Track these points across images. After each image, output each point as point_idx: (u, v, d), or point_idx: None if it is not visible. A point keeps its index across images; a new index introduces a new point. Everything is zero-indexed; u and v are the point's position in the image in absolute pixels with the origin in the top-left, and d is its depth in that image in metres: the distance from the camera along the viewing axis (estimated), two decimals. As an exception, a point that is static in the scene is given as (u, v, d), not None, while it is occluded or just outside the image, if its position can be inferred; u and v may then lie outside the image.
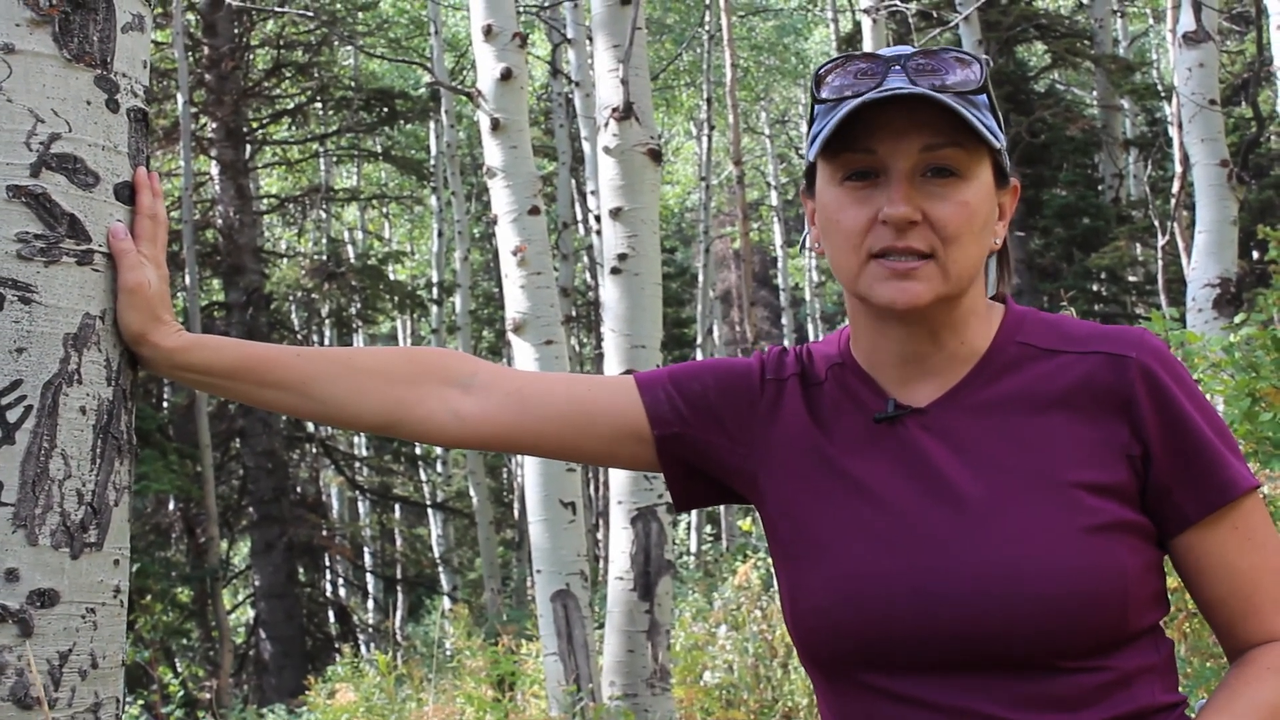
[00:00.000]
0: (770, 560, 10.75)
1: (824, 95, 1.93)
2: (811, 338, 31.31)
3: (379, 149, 27.39)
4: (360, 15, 25.36)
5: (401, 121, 24.57)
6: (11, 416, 1.93)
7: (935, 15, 20.32)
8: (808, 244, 2.07)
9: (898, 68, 1.89)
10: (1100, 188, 23.30)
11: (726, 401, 2.09)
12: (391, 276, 26.25)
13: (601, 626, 7.64)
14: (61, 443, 1.97)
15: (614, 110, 6.96)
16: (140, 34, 2.12)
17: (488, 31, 7.40)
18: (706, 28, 23.94)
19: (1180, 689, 1.95)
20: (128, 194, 2.09)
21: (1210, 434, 1.89)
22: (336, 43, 23.12)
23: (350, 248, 31.64)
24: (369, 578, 28.54)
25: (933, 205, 1.86)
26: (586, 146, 17.47)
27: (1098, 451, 1.88)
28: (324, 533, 22.53)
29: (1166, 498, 1.89)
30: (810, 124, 1.98)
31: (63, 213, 1.99)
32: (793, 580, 1.98)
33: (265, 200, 24.72)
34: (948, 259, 1.87)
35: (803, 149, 2.03)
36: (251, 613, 22.33)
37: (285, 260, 24.16)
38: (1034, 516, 1.84)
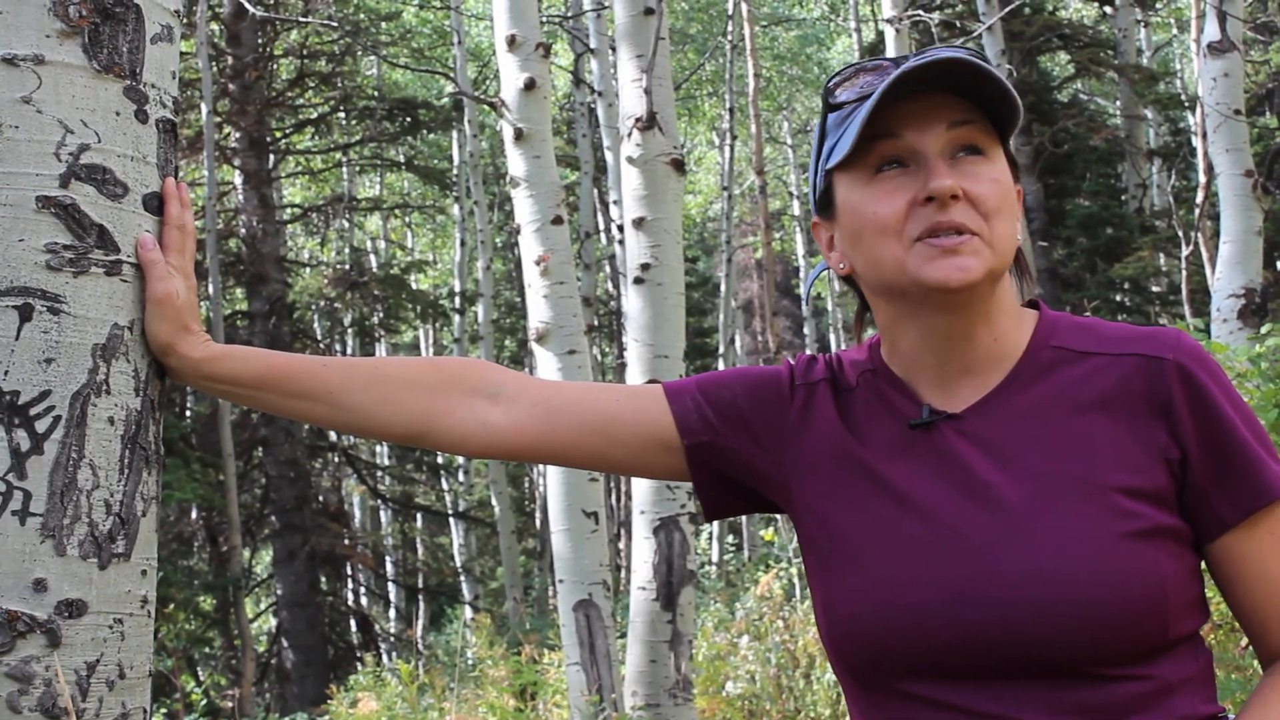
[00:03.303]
0: (793, 570, 10.76)
1: (844, 97, 1.93)
2: (834, 347, 31.29)
3: (402, 158, 27.49)
4: (383, 25, 25.46)
5: (424, 131, 24.64)
6: (40, 427, 1.94)
7: (959, 25, 20.35)
8: (829, 271, 2.06)
9: (907, 62, 1.90)
10: (1124, 198, 23.26)
11: (756, 408, 2.09)
12: (414, 286, 26.30)
13: (624, 636, 7.63)
14: (90, 453, 1.97)
15: (637, 120, 6.97)
16: (169, 45, 2.13)
17: (511, 41, 7.41)
18: (729, 37, 23.96)
19: (1207, 700, 1.94)
20: (156, 205, 2.10)
21: (1248, 436, 1.87)
22: (360, 53, 23.17)
23: (373, 257, 31.69)
24: (391, 587, 28.60)
25: (970, 183, 1.87)
26: (609, 156, 17.51)
27: (1136, 455, 1.86)
28: (346, 542, 22.55)
29: (1203, 501, 1.87)
30: (820, 144, 1.99)
31: (91, 223, 1.99)
32: (828, 587, 1.96)
33: (288, 210, 24.79)
34: (992, 234, 1.87)
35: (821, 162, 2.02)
36: (274, 621, 22.40)
37: (308, 269, 24.25)
38: (1073, 522, 1.82)
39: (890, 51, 14.73)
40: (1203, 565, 1.93)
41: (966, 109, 1.88)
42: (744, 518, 24.25)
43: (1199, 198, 13.47)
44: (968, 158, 1.88)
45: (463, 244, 26.06)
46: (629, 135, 7.02)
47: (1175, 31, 30.29)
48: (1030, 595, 1.80)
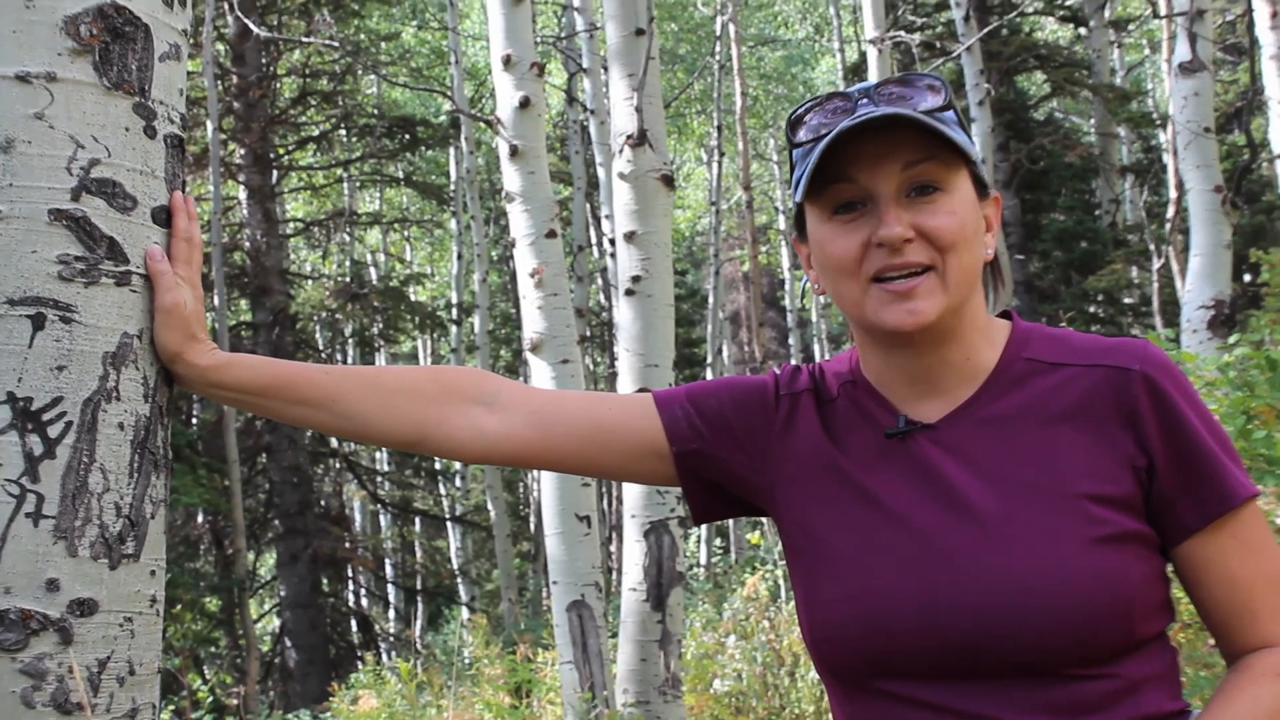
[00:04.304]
0: (778, 572, 10.75)
1: (801, 138, 1.95)
2: (818, 357, 31.29)
3: (401, 174, 27.47)
4: (383, 45, 25.45)
5: (423, 148, 24.59)
6: (53, 432, 1.94)
7: (938, 45, 20.37)
8: (809, 287, 2.07)
9: (865, 100, 1.91)
10: (1097, 212, 23.29)
11: (742, 418, 2.09)
12: (412, 298, 26.22)
13: (615, 636, 7.63)
14: (100, 457, 1.98)
15: (628, 137, 6.97)
16: (176, 63, 2.13)
17: (507, 61, 7.41)
18: (717, 58, 24.00)
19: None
20: (164, 217, 2.10)
21: (1212, 443, 1.88)
22: (360, 72, 23.16)
23: (373, 269, 31.67)
24: (390, 588, 28.55)
25: (924, 219, 1.87)
26: (601, 172, 17.48)
27: (1104, 463, 1.87)
28: (347, 545, 22.51)
29: (1170, 508, 1.88)
30: (791, 170, 2.00)
31: (102, 235, 2.00)
32: (809, 592, 1.97)
33: (291, 224, 24.74)
34: (946, 269, 1.88)
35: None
36: (277, 622, 22.33)
37: (310, 282, 24.22)
38: (1044, 528, 1.83)
39: (872, 71, 14.74)
40: (1169, 568, 1.94)
41: (923, 146, 1.88)
42: (731, 522, 24.25)
43: (1170, 213, 13.48)
44: (922, 196, 1.89)
45: (460, 257, 26.06)
46: (620, 152, 7.02)
47: (1147, 52, 30.36)
48: (1002, 601, 1.81)
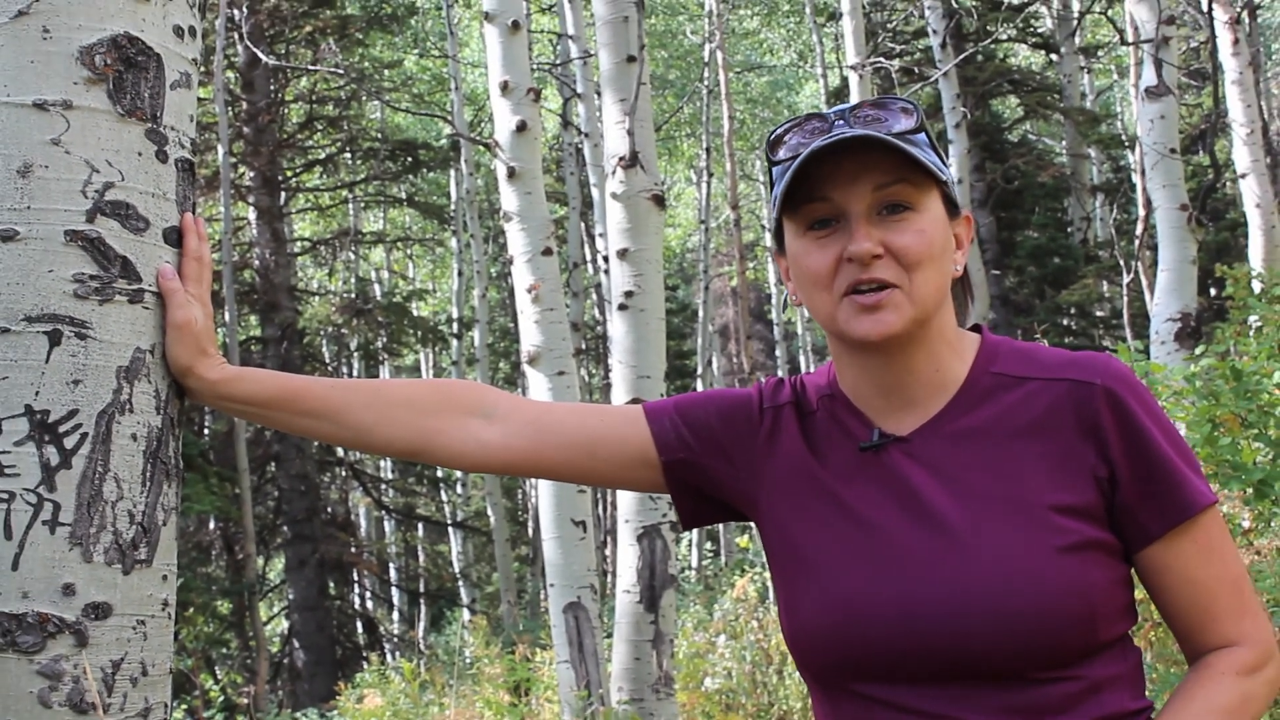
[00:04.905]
0: (766, 575, 10.75)
1: (779, 156, 1.95)
2: (803, 368, 31.29)
3: (403, 195, 27.47)
4: (386, 72, 25.48)
5: (424, 170, 24.60)
6: (69, 443, 1.94)
7: (917, 71, 20.41)
8: (789, 300, 2.07)
9: (841, 122, 1.91)
10: (1069, 230, 23.32)
11: (728, 429, 2.09)
12: (415, 313, 26.23)
13: (610, 636, 7.61)
14: (114, 467, 1.98)
15: (621, 159, 6.96)
16: (187, 90, 2.13)
17: (504, 87, 7.41)
18: (706, 83, 24.01)
19: (1147, 694, 1.95)
20: (175, 238, 2.10)
21: (1171, 453, 1.89)
22: (365, 98, 23.18)
23: (377, 286, 31.70)
24: (394, 591, 28.52)
25: (892, 237, 1.87)
26: (595, 192, 17.50)
27: (1068, 474, 1.88)
28: (353, 550, 22.50)
29: (1132, 516, 1.88)
30: (771, 187, 2.00)
31: (116, 255, 2.00)
32: (789, 598, 1.98)
33: (298, 243, 24.73)
34: (913, 285, 1.88)
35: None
36: (286, 624, 22.30)
37: (317, 298, 24.25)
38: (1010, 538, 1.84)
39: (854, 96, 14.76)
40: (1132, 573, 1.94)
41: (894, 167, 1.88)
42: (721, 526, 24.23)
43: (1138, 230, 13.49)
44: (892, 215, 1.89)
45: (460, 274, 26.08)
46: (613, 173, 7.02)
47: (1115, 77, 30.40)
48: (970, 608, 1.82)
